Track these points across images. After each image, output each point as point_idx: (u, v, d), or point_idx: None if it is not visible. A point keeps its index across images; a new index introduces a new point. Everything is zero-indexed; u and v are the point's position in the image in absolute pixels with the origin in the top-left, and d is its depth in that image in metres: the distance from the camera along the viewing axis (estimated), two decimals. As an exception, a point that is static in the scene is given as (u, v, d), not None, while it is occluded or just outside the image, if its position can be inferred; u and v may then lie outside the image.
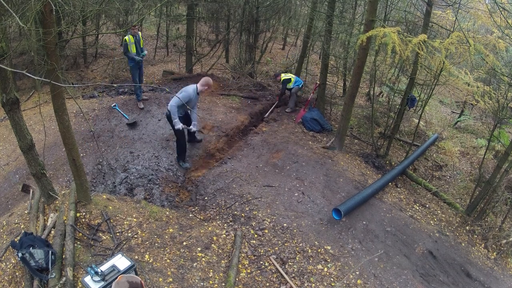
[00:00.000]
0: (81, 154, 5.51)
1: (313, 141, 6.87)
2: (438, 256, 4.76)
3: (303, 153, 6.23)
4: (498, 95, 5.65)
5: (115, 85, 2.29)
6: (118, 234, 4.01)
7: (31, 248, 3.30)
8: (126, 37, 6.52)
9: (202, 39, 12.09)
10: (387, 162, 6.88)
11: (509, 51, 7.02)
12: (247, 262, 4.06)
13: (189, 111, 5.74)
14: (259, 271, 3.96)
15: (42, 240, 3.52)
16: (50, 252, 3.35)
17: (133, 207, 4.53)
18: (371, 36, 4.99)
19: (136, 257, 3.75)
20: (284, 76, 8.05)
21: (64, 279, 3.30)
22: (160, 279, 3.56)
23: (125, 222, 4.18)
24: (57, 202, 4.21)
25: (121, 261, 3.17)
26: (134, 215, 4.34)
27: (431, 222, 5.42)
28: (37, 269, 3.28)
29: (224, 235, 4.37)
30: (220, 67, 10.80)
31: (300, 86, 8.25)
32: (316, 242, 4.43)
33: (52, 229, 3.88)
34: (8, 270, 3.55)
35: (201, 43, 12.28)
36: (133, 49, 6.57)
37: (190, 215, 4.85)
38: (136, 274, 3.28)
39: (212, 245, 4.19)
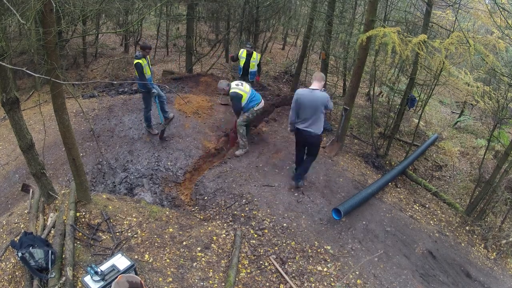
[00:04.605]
0: (81, 154, 5.51)
1: (313, 141, 6.86)
2: (438, 256, 4.76)
3: (303, 153, 6.23)
4: (498, 95, 5.65)
5: (115, 82, 2.29)
6: (118, 233, 4.00)
7: (31, 247, 3.30)
8: (140, 60, 5.61)
9: (202, 39, 12.09)
10: (387, 162, 6.87)
11: (509, 51, 7.02)
12: (247, 262, 4.05)
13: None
14: (259, 271, 3.96)
15: (42, 239, 3.51)
16: (50, 251, 3.35)
17: (133, 206, 4.53)
18: (371, 36, 4.99)
19: (136, 256, 3.74)
20: (234, 89, 5.63)
21: (64, 278, 3.30)
22: (160, 279, 3.56)
23: (125, 222, 4.18)
24: (57, 201, 4.20)
25: (121, 261, 3.17)
26: (134, 215, 4.34)
27: (431, 222, 5.43)
28: (37, 269, 3.28)
29: (224, 235, 4.37)
30: (220, 67, 10.80)
31: (255, 106, 5.72)
32: (316, 242, 4.43)
33: (52, 228, 3.88)
34: (8, 269, 3.55)
35: (201, 43, 12.28)
36: (148, 71, 5.82)
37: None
38: (136, 274, 3.28)
39: (212, 245, 4.18)
